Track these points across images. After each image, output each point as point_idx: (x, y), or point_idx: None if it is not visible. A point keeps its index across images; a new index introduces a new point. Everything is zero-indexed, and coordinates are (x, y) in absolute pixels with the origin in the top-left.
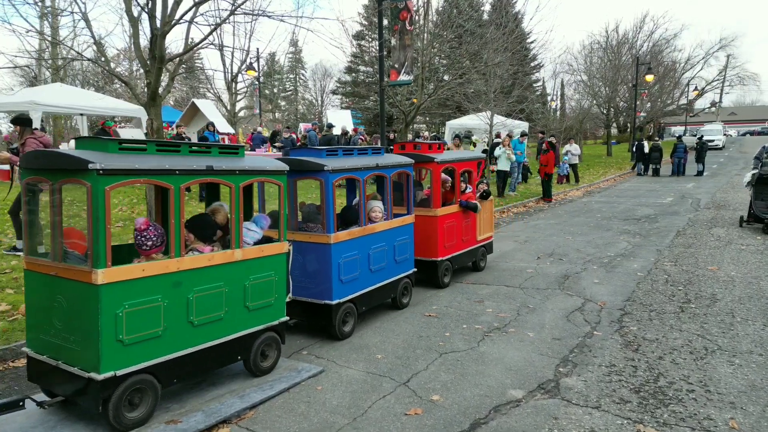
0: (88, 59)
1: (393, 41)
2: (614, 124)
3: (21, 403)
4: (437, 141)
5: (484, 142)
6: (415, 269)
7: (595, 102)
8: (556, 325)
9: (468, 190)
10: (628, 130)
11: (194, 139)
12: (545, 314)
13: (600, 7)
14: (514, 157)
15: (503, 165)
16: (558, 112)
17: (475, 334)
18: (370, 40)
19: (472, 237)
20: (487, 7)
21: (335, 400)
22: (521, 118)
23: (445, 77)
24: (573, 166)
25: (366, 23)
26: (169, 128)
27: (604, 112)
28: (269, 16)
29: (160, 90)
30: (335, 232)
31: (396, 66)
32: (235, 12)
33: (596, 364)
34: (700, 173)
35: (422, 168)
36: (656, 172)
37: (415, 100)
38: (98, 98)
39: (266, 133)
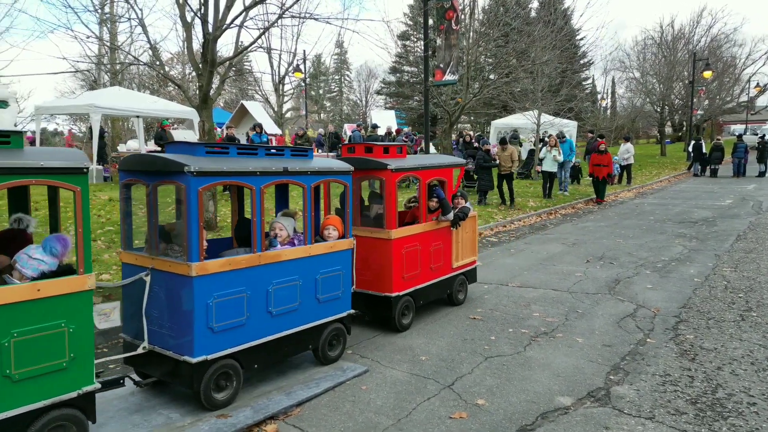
0: (144, 63)
1: (438, 41)
2: (669, 123)
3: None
4: (403, 142)
5: (530, 142)
6: (354, 311)
7: (648, 100)
8: (606, 331)
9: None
10: (684, 128)
11: (242, 141)
12: (595, 320)
13: (654, 1)
14: (560, 158)
15: (549, 166)
16: (608, 111)
17: (522, 338)
18: (415, 40)
19: (445, 263)
20: (535, 4)
21: (380, 401)
22: (570, 117)
23: (491, 76)
24: (626, 167)
25: (411, 23)
26: (217, 129)
27: (658, 110)
28: (316, 19)
29: (211, 92)
30: (200, 261)
31: (441, 66)
32: (283, 15)
33: (650, 373)
34: (762, 174)
35: (374, 178)
36: (714, 173)
37: (459, 100)
38: (153, 101)
39: (312, 135)
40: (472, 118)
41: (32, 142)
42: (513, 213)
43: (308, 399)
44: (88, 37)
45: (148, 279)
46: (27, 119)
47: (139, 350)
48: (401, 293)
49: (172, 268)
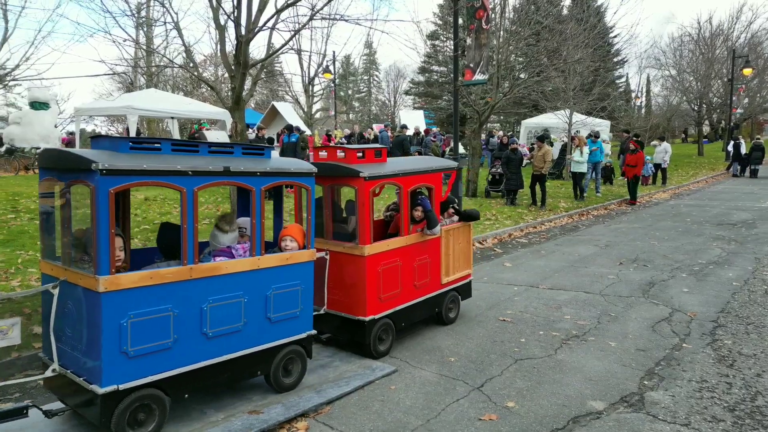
0: (179, 66)
1: (468, 40)
2: (706, 122)
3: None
4: (381, 146)
5: (562, 141)
6: (314, 332)
7: (684, 98)
8: (640, 335)
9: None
10: (722, 127)
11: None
12: (628, 323)
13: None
14: (581, 159)
15: (577, 167)
16: (643, 110)
17: (553, 341)
18: (444, 39)
19: (433, 279)
20: (567, 2)
21: (408, 401)
22: (602, 116)
23: (522, 75)
24: (660, 167)
25: (440, 23)
26: (249, 130)
27: (695, 108)
28: (346, 20)
29: (244, 94)
30: (111, 274)
31: (471, 65)
32: (314, 17)
33: (685, 379)
34: None
35: (345, 186)
36: (754, 174)
37: (489, 99)
38: (187, 102)
39: (340, 136)
40: (501, 117)
41: (68, 144)
42: (543, 214)
43: (338, 397)
44: (125, 41)
45: (55, 292)
46: (67, 120)
47: (48, 373)
48: (377, 316)
49: (81, 281)
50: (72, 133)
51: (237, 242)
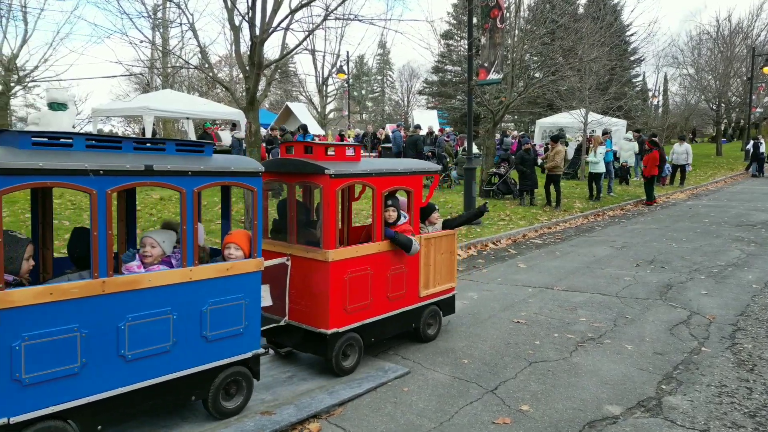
0: (195, 66)
1: (482, 40)
2: (725, 121)
3: None
4: (357, 143)
5: (577, 141)
6: (262, 350)
7: (703, 97)
8: (657, 339)
9: (403, 220)
10: (734, 126)
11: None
12: (645, 326)
13: None
14: (596, 159)
15: (594, 167)
16: (660, 109)
17: (567, 343)
18: (458, 39)
19: (410, 292)
20: (583, 0)
21: (421, 403)
22: (619, 115)
23: (536, 74)
24: (680, 167)
25: (454, 22)
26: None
27: (714, 108)
28: (360, 20)
29: (258, 94)
30: None
31: (485, 65)
32: (328, 17)
33: (704, 383)
34: None
35: (310, 184)
36: None
37: (503, 99)
38: (203, 103)
39: (352, 136)
40: (516, 117)
41: None
42: (558, 214)
43: (350, 399)
44: (141, 42)
45: None
46: (84, 121)
47: None
48: (341, 329)
49: None
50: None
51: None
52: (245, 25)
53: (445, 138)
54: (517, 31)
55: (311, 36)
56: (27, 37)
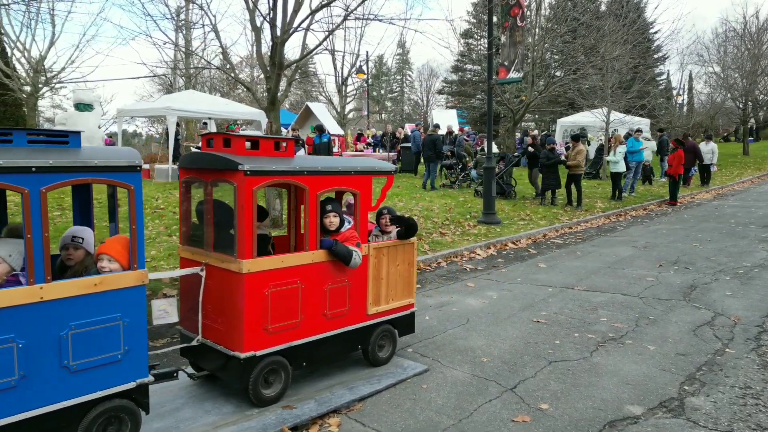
0: (217, 67)
1: (503, 38)
2: (752, 120)
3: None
4: (288, 137)
5: (599, 140)
6: (151, 378)
7: (729, 96)
8: (680, 340)
9: (347, 226)
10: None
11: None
12: (668, 327)
13: None
14: (615, 158)
15: (615, 166)
16: (685, 108)
17: (588, 343)
18: (478, 38)
19: (355, 309)
20: None
21: (440, 400)
22: (642, 114)
23: (557, 73)
24: (705, 167)
25: (474, 21)
26: (283, 130)
27: (740, 106)
28: (380, 20)
29: (279, 94)
30: None
31: (505, 63)
32: (348, 17)
33: (728, 385)
34: None
35: (222, 182)
36: None
37: (524, 98)
38: (225, 103)
39: (370, 136)
40: (536, 116)
41: (111, 144)
42: (579, 214)
43: (369, 395)
44: (164, 43)
45: None
46: (110, 121)
47: None
48: (260, 353)
49: None
50: (114, 134)
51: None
52: (266, 26)
53: (465, 137)
54: (537, 30)
55: (331, 36)
56: (54, 40)
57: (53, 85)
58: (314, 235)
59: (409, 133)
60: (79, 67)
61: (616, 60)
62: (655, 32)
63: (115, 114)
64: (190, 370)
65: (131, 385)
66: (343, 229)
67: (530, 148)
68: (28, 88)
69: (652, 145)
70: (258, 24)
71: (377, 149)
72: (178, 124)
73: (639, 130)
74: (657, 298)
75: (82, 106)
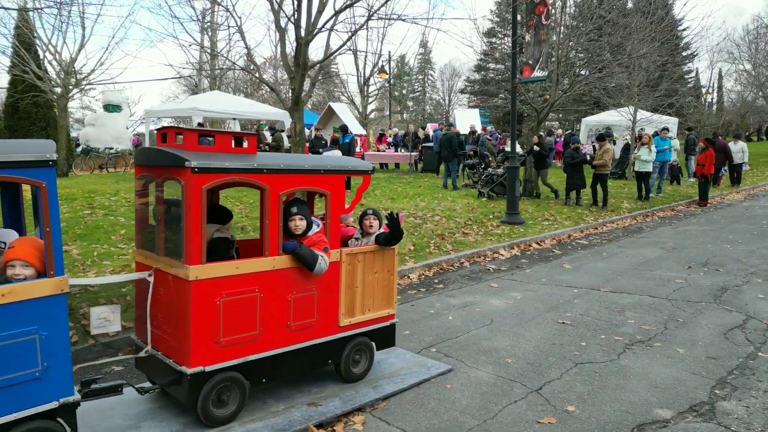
0: (242, 68)
1: (527, 37)
2: None
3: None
4: (251, 133)
5: (625, 139)
6: (77, 397)
7: (761, 93)
8: (711, 343)
9: (315, 230)
10: None
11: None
12: (698, 330)
13: None
14: (648, 158)
15: (644, 166)
16: (714, 106)
17: (615, 345)
18: (501, 37)
19: (324, 320)
20: None
21: (465, 400)
22: (670, 113)
23: (583, 72)
24: (735, 166)
25: (498, 20)
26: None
27: None
28: (403, 20)
29: (303, 95)
30: None
31: (530, 62)
32: (371, 17)
33: (761, 389)
34: None
35: (170, 180)
36: None
37: (548, 97)
38: (249, 104)
39: (391, 136)
40: (561, 115)
41: (138, 144)
42: (605, 215)
43: (393, 394)
44: (190, 45)
45: None
46: (137, 122)
47: None
48: (210, 368)
49: None
50: (142, 134)
51: None
52: (291, 27)
53: (488, 137)
54: (562, 28)
55: (354, 36)
56: (84, 42)
57: (83, 86)
58: (275, 239)
59: (431, 133)
60: (108, 69)
61: (644, 58)
62: (684, 29)
63: (142, 115)
64: (149, 384)
65: (53, 404)
66: (310, 233)
67: (536, 148)
68: (59, 90)
69: (675, 143)
70: (282, 25)
71: (399, 149)
72: (203, 125)
73: (665, 129)
74: (686, 300)
75: (111, 107)
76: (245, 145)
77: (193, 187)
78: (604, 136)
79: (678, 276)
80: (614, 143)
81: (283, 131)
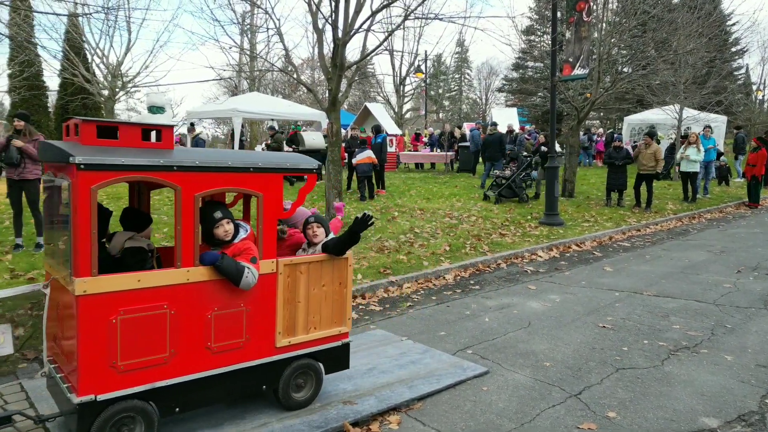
0: (280, 69)
1: (567, 34)
2: None
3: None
4: (167, 124)
5: (670, 138)
6: None
7: None
8: (761, 350)
9: (242, 235)
10: None
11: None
12: (747, 336)
13: None
14: (697, 157)
15: (691, 166)
16: (766, 104)
17: (659, 351)
18: (540, 34)
19: (256, 340)
20: None
21: (501, 403)
22: (718, 111)
23: (625, 69)
24: None
25: (537, 17)
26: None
27: None
28: (440, 19)
29: (339, 95)
30: None
31: (570, 60)
32: (408, 17)
33: None
34: None
35: (62, 178)
36: None
37: (589, 95)
38: (287, 105)
39: (427, 135)
40: (602, 114)
41: (180, 143)
42: (649, 216)
43: (429, 394)
44: (230, 47)
45: None
46: (179, 123)
47: None
48: (104, 396)
49: None
50: (184, 135)
51: None
52: (328, 28)
53: (527, 136)
54: (604, 24)
55: (390, 36)
56: (130, 46)
57: (129, 89)
58: (190, 247)
59: (468, 132)
60: (152, 71)
61: (690, 54)
62: (733, 24)
63: (184, 116)
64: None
65: None
66: (236, 240)
67: (543, 148)
68: (106, 92)
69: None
70: (320, 26)
71: (434, 149)
72: (242, 125)
73: (707, 127)
74: (735, 305)
75: (155, 109)
76: (154, 138)
77: (80, 186)
78: (652, 134)
79: (726, 280)
80: (658, 142)
81: (282, 133)
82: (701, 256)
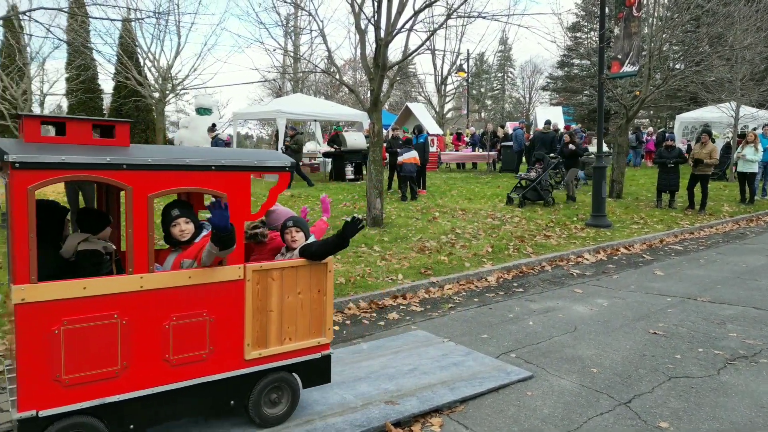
0: (323, 71)
1: (616, 30)
2: None
3: None
4: (127, 120)
5: (726, 137)
6: None
7: None
8: None
9: (204, 234)
10: None
11: None
12: None
13: None
14: (755, 157)
15: (746, 166)
16: None
17: (715, 360)
18: (587, 31)
19: (222, 351)
20: None
21: (546, 409)
22: None
23: (677, 65)
24: None
25: (583, 13)
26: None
27: None
28: (483, 17)
29: (381, 95)
30: None
31: (619, 57)
32: (451, 16)
33: None
34: None
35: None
36: None
37: (638, 93)
38: (330, 106)
39: (468, 135)
40: (651, 112)
41: (228, 144)
42: (702, 218)
43: (472, 397)
44: (275, 49)
45: None
46: (226, 124)
47: None
48: (47, 412)
49: None
50: (230, 135)
51: None
52: (370, 29)
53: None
54: (655, 19)
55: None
56: (180, 49)
57: (178, 91)
58: (144, 252)
59: (511, 132)
60: (200, 74)
61: (747, 49)
62: None
63: (230, 117)
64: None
65: None
66: (197, 239)
67: (570, 146)
68: (156, 95)
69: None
70: (362, 27)
71: (476, 148)
72: (286, 126)
73: (766, 125)
74: None
75: (203, 111)
76: (112, 135)
77: (15, 186)
78: (709, 132)
79: None
80: (714, 141)
81: (302, 134)
82: (760, 260)
